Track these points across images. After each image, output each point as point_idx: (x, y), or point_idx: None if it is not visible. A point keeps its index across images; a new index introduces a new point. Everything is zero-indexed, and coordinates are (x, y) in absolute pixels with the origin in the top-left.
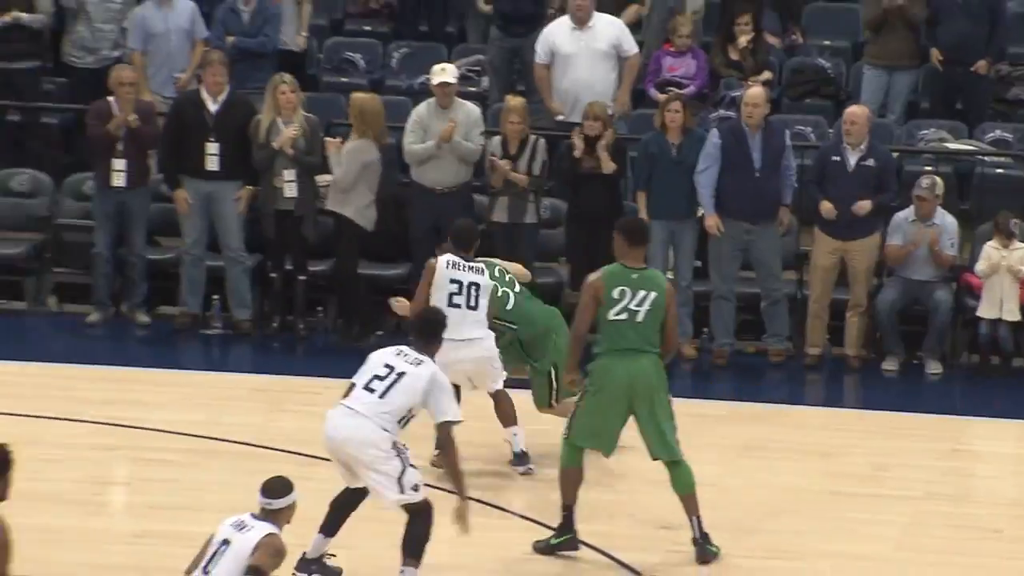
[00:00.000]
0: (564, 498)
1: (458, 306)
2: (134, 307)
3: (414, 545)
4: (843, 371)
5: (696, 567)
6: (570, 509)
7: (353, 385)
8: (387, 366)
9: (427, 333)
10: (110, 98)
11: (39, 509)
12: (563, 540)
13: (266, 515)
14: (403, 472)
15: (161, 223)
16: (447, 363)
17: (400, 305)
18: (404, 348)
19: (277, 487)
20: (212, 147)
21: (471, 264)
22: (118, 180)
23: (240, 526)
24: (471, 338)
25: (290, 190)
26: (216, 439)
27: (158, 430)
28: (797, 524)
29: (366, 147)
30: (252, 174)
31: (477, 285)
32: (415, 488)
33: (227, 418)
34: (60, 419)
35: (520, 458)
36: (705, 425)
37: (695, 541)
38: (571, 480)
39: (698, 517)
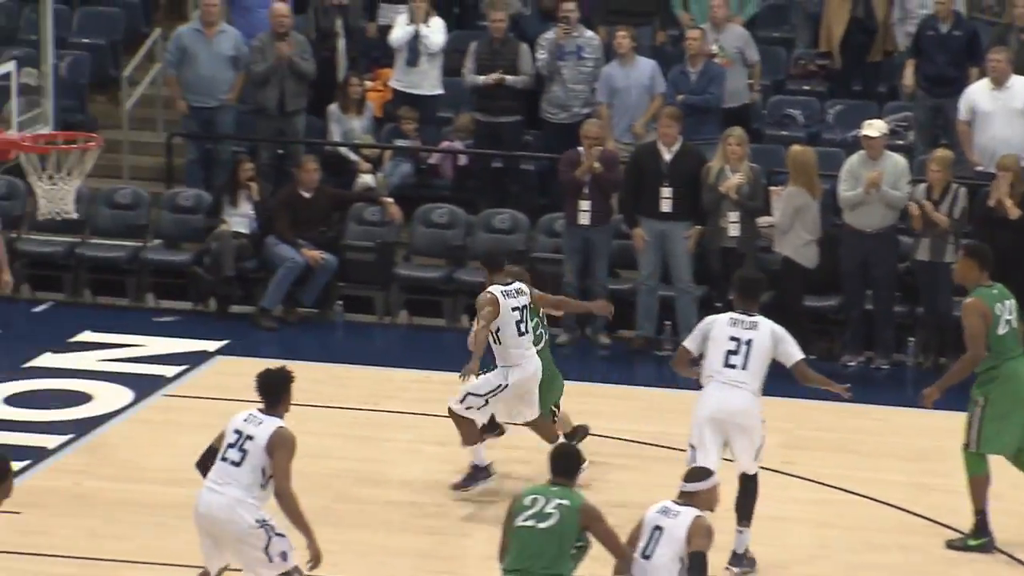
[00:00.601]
0: (976, 504)
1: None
2: (597, 330)
3: None
4: None
5: None
6: (983, 514)
7: None
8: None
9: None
10: (579, 148)
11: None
12: (980, 543)
13: (687, 498)
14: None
15: (621, 257)
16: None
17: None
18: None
19: (698, 473)
20: (666, 191)
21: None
22: (584, 219)
23: (667, 512)
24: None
25: (734, 230)
26: (664, 447)
27: (616, 438)
28: None
29: (800, 194)
30: (700, 215)
31: None
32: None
33: (675, 429)
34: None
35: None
36: None
37: None
38: (982, 486)
39: None
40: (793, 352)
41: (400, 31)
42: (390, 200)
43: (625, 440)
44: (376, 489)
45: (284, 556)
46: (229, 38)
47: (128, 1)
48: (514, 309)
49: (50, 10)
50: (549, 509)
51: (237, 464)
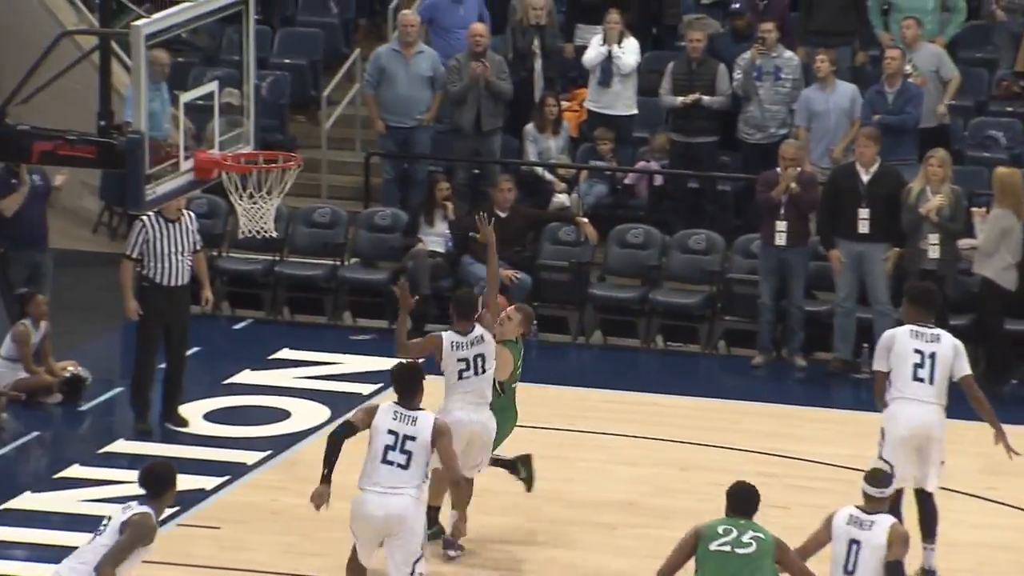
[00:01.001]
0: None
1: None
2: (793, 352)
3: None
4: None
5: None
6: None
7: None
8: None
9: None
10: (777, 168)
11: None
12: None
13: (874, 504)
14: None
15: (817, 278)
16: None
17: None
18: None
19: (882, 478)
20: (863, 212)
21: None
22: (780, 240)
23: (859, 523)
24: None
25: (934, 252)
26: (860, 470)
27: (811, 461)
28: None
29: (1007, 215)
30: (899, 237)
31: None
32: None
33: (872, 452)
34: (724, 448)
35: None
36: None
37: None
38: None
39: None
40: (965, 366)
41: (593, 52)
42: (585, 220)
43: (822, 463)
44: (569, 509)
45: (423, 555)
46: (427, 58)
47: (328, 22)
48: (460, 359)
49: (252, 31)
50: (746, 539)
51: (404, 467)
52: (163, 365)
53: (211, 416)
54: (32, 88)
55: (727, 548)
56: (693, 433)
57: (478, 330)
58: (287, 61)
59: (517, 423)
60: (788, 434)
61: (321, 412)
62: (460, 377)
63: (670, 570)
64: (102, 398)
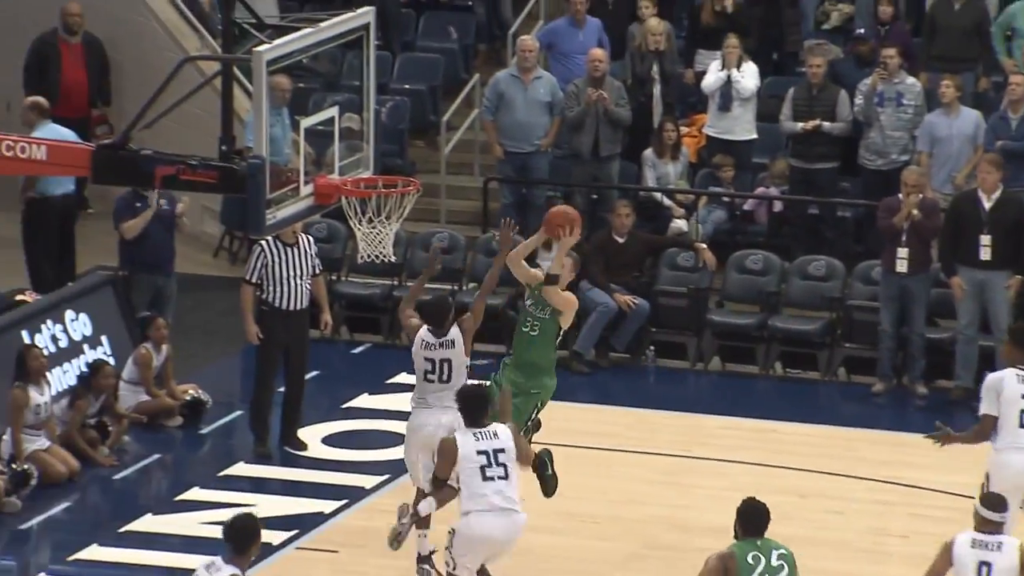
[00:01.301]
0: None
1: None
2: (914, 379)
3: None
4: None
5: None
6: None
7: None
8: None
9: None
10: (899, 195)
11: (823, 555)
12: None
13: (993, 527)
14: None
15: (939, 305)
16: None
17: None
18: None
19: (999, 502)
20: (985, 239)
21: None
22: (901, 267)
23: (985, 545)
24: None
25: None
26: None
27: (930, 489)
28: None
29: None
30: (1021, 264)
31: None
32: None
33: None
34: (843, 476)
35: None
36: None
37: None
38: None
39: None
40: None
41: (713, 77)
42: (704, 246)
43: (941, 492)
44: (685, 535)
45: None
46: (545, 84)
47: (448, 48)
48: (427, 359)
49: (372, 57)
50: (775, 563)
51: (506, 478)
52: (282, 388)
53: (329, 440)
54: (155, 113)
55: None
56: (812, 461)
57: (453, 333)
58: (407, 86)
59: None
60: (907, 462)
61: None
62: (425, 378)
63: None
64: (222, 421)
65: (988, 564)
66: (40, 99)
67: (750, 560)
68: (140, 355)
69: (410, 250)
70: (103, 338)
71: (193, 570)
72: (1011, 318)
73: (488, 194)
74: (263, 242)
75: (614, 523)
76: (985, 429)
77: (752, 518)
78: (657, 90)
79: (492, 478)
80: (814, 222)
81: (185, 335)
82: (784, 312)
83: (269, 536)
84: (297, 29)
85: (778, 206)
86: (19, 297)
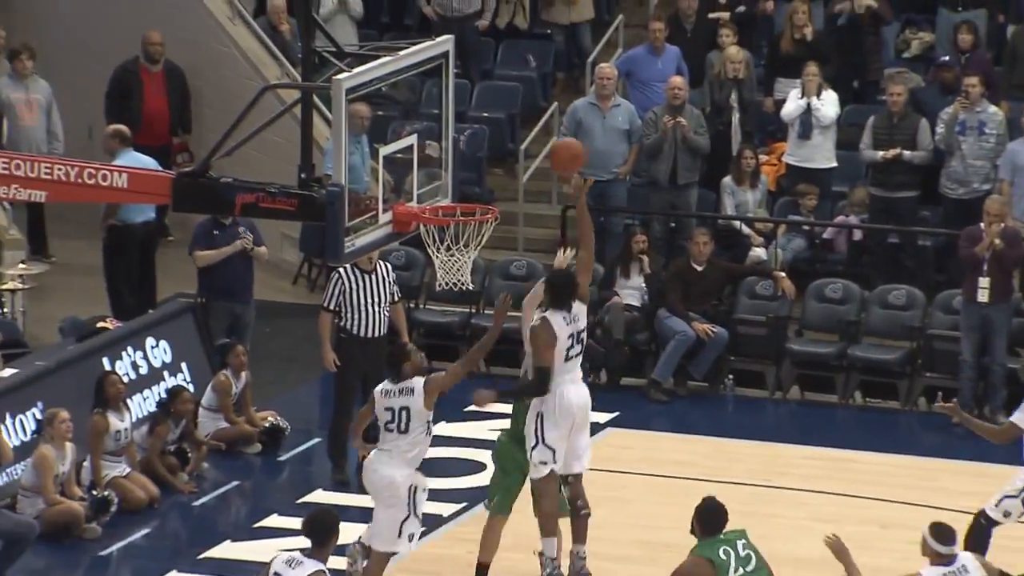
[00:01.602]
0: None
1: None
2: (995, 409)
3: None
4: None
5: None
6: None
7: None
8: None
9: None
10: (980, 224)
11: None
12: None
13: (947, 559)
14: None
15: (1020, 335)
16: None
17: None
18: None
19: (946, 533)
20: None
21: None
22: (983, 296)
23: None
24: None
25: None
26: None
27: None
28: None
29: None
30: None
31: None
32: None
33: None
34: (924, 506)
35: None
36: None
37: None
38: None
39: None
40: None
41: (792, 104)
42: (782, 274)
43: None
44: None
45: None
46: (624, 111)
47: (527, 76)
48: (386, 409)
49: (451, 85)
50: (743, 552)
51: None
52: None
53: None
54: (235, 141)
55: (741, 572)
56: (892, 491)
57: (412, 382)
58: (485, 114)
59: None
60: (989, 492)
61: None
62: (386, 427)
63: None
64: (301, 448)
65: None
66: (122, 127)
67: (722, 555)
68: (219, 382)
69: (488, 278)
70: (183, 365)
71: None
72: None
73: (566, 222)
74: (341, 269)
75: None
76: (1008, 434)
77: (713, 517)
78: (735, 118)
79: (572, 357)
80: (894, 251)
81: (264, 362)
82: (864, 341)
83: (347, 563)
84: (376, 57)
85: (858, 235)
86: (100, 324)
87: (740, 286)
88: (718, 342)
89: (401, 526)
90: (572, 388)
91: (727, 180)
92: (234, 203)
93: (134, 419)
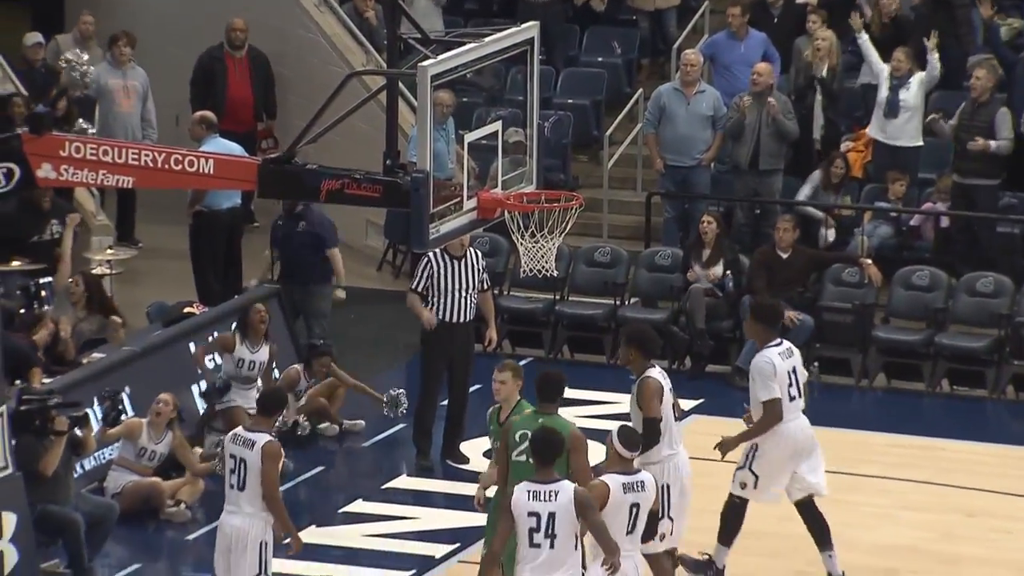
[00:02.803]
0: None
1: None
2: None
3: None
4: None
5: None
6: None
7: None
8: None
9: None
10: None
11: (997, 574)
12: None
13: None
14: None
15: None
16: None
17: None
18: None
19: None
20: None
21: None
22: None
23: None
24: None
25: None
26: None
27: None
28: None
29: None
30: None
31: None
32: None
33: None
34: (1011, 495)
35: None
36: None
37: None
38: None
39: None
40: None
41: (881, 88)
42: (869, 261)
43: None
44: (850, 554)
45: None
46: (708, 97)
47: (611, 63)
48: (230, 456)
49: (536, 71)
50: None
51: None
52: (445, 402)
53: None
54: (320, 128)
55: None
56: (979, 479)
57: (256, 436)
58: (570, 101)
59: None
60: None
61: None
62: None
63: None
64: (385, 434)
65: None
66: (208, 113)
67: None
68: (288, 374)
69: (572, 264)
70: None
71: None
72: None
73: (651, 209)
74: (430, 254)
75: (780, 540)
76: None
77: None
78: (818, 103)
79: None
80: (978, 238)
81: (349, 348)
82: (951, 329)
83: (432, 549)
84: (461, 44)
85: (945, 222)
86: (187, 309)
87: (826, 273)
88: (803, 329)
89: None
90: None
91: (816, 174)
92: (319, 189)
93: (259, 366)
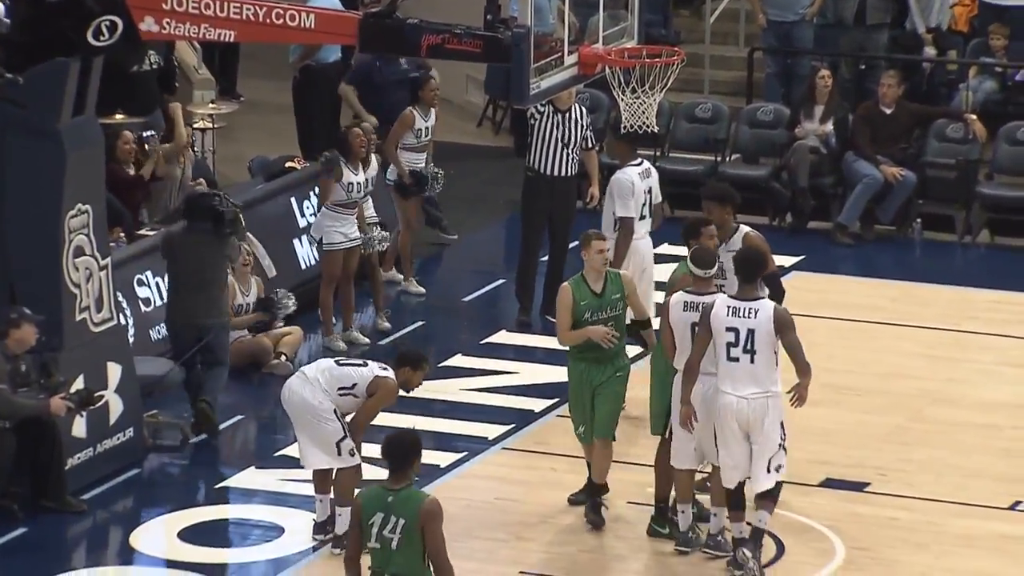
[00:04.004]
0: None
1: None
2: None
3: None
4: None
5: None
6: None
7: None
8: None
9: None
10: None
11: None
12: None
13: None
14: None
15: None
16: None
17: None
18: None
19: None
20: None
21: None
22: None
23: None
24: None
25: None
26: None
27: None
28: None
29: None
30: None
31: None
32: None
33: None
34: None
35: None
36: None
37: None
38: None
39: None
40: None
41: None
42: (974, 116)
43: None
44: (953, 410)
45: None
46: None
47: None
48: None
49: None
50: None
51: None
52: (546, 257)
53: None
54: None
55: None
56: None
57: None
58: None
59: None
60: None
61: None
62: None
63: None
64: (485, 289)
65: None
66: None
67: None
68: (404, 116)
69: (673, 120)
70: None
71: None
72: None
73: (752, 64)
74: (536, 104)
75: (879, 396)
76: None
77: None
78: None
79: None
80: None
81: (449, 204)
82: None
83: (531, 403)
84: None
85: None
86: (289, 164)
87: (929, 129)
88: (906, 185)
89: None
90: None
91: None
92: (420, 44)
93: (369, 184)
